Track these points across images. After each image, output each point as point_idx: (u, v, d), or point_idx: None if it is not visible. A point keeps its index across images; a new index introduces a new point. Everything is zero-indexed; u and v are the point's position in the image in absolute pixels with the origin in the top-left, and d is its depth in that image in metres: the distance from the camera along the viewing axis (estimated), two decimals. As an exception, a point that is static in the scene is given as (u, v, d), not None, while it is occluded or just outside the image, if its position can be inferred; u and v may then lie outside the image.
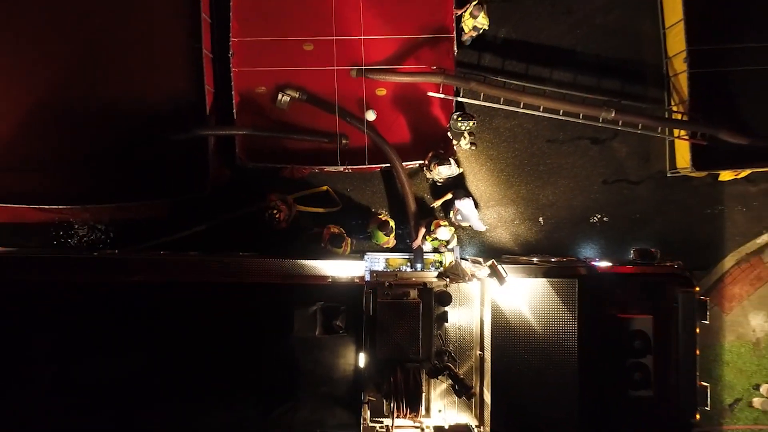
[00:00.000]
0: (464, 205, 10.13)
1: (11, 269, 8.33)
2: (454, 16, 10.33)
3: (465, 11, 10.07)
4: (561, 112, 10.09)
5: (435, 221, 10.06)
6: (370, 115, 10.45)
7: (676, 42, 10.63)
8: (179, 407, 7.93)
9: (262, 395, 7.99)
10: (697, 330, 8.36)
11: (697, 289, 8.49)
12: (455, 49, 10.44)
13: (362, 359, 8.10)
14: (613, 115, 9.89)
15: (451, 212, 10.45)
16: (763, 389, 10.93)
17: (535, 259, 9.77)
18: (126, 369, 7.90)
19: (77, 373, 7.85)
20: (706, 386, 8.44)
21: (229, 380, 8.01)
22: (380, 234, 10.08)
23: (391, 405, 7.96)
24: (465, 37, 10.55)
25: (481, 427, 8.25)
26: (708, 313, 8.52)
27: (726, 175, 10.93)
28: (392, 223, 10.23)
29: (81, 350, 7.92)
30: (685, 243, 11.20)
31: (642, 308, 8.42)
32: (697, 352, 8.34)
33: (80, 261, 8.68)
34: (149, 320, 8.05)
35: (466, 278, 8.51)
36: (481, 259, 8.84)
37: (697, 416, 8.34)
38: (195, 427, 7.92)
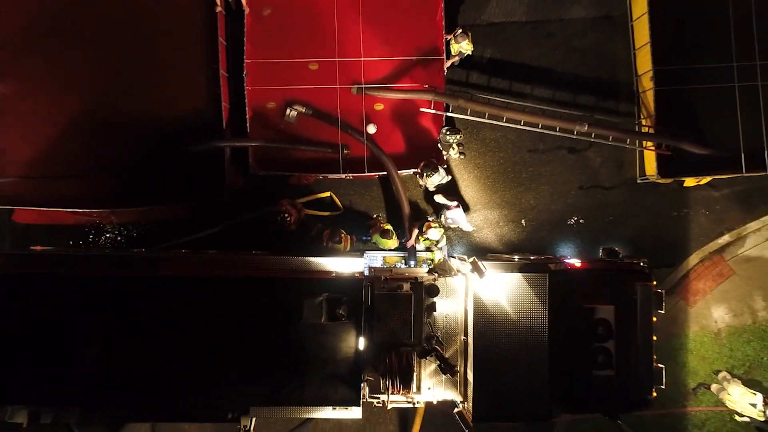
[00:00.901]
0: (454, 214, 10.96)
1: (54, 265, 9.11)
2: (444, 40, 11.10)
3: (453, 36, 10.82)
4: (540, 125, 10.84)
5: (426, 223, 10.84)
6: (371, 129, 11.25)
7: (644, 62, 11.40)
8: (204, 382, 8.72)
9: (275, 373, 8.79)
10: (654, 318, 9.14)
11: (654, 282, 9.23)
12: (445, 69, 11.21)
13: (362, 343, 8.91)
14: (586, 128, 10.68)
15: (442, 215, 11.21)
16: (720, 376, 11.75)
17: (516, 257, 10.42)
18: (157, 349, 8.71)
19: (116, 352, 8.68)
20: (662, 368, 9.24)
21: (246, 360, 8.80)
22: (384, 240, 10.85)
23: (387, 383, 8.85)
24: (448, 64, 11.24)
25: (465, 402, 9.06)
26: (664, 304, 9.34)
27: (690, 182, 11.76)
28: (390, 227, 10.95)
29: (118, 333, 8.74)
30: (653, 243, 12.05)
31: (605, 299, 9.10)
32: (654, 337, 9.14)
33: (113, 258, 9.46)
34: (177, 309, 8.83)
35: (453, 273, 9.37)
36: (466, 257, 9.59)
37: (654, 393, 9.11)
38: (218, 400, 8.67)
